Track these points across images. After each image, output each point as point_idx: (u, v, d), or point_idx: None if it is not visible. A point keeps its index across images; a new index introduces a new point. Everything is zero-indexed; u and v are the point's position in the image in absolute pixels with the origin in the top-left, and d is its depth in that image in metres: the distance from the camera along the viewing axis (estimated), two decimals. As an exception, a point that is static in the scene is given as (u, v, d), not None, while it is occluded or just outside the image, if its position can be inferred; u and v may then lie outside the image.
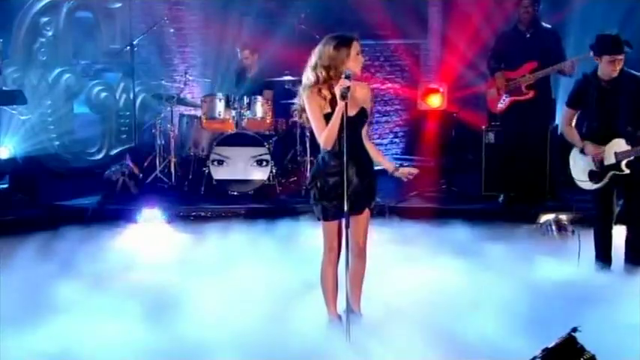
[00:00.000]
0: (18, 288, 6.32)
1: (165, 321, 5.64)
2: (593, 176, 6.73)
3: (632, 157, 6.58)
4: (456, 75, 11.28)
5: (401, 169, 5.52)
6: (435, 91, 10.53)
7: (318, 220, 5.51)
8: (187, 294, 6.22)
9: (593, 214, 6.95)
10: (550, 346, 4.03)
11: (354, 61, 5.28)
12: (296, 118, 5.68)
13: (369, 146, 5.51)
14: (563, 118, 6.98)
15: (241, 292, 6.23)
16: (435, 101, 10.55)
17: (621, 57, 6.54)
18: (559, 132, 7.81)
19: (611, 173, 6.64)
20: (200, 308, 5.89)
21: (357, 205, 5.36)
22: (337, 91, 5.12)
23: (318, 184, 5.38)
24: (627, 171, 6.61)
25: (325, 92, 5.28)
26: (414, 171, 5.53)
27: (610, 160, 6.65)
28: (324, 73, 5.26)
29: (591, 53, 6.75)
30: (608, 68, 6.56)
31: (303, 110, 5.41)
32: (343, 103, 5.11)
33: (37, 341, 5.25)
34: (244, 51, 10.38)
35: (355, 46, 5.29)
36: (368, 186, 5.43)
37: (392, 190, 9.11)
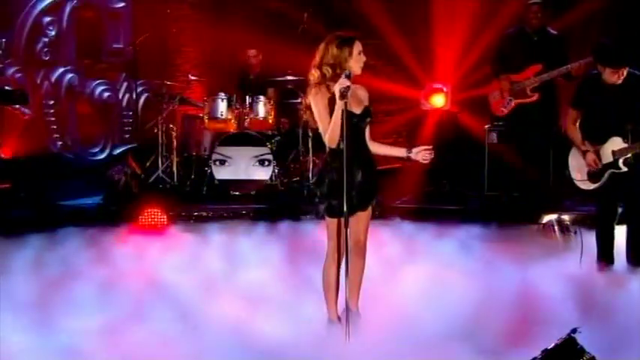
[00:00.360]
0: (19, 288, 6.29)
1: (164, 321, 5.61)
2: (591, 176, 6.71)
3: (629, 155, 6.55)
4: (459, 75, 11.24)
5: (414, 152, 5.48)
6: (439, 91, 10.49)
7: (322, 218, 5.52)
8: (189, 294, 6.20)
9: (595, 214, 6.94)
10: (550, 347, 4.01)
11: (355, 61, 5.30)
12: (306, 118, 5.68)
13: (375, 145, 5.53)
14: (567, 117, 6.95)
15: (242, 291, 6.22)
16: (438, 101, 10.52)
17: (625, 67, 6.51)
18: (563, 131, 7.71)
19: (609, 172, 6.61)
20: (200, 308, 5.88)
21: (361, 203, 5.41)
22: (336, 89, 5.14)
23: (327, 180, 5.42)
24: (625, 169, 6.57)
25: (331, 90, 5.29)
26: (429, 148, 5.49)
27: (607, 158, 6.62)
28: (330, 71, 5.30)
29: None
30: (612, 77, 6.52)
31: (308, 108, 5.45)
32: (343, 102, 5.11)
33: (36, 341, 5.23)
34: (250, 50, 10.36)
35: (357, 46, 5.32)
36: (371, 184, 5.48)
37: (393, 189, 9.10)
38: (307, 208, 8.79)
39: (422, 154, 5.47)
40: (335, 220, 5.39)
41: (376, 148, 5.55)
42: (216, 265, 7.08)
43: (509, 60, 9.30)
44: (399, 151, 5.61)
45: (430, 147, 5.52)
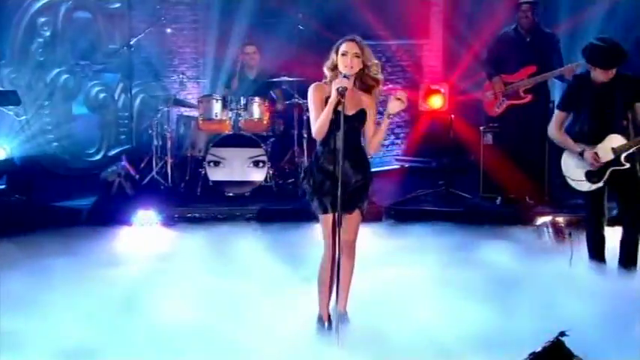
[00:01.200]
0: (13, 288, 6.29)
1: (158, 321, 5.64)
2: (591, 176, 6.61)
3: (631, 150, 6.48)
4: (457, 76, 11.22)
5: (389, 108, 5.40)
6: (436, 92, 10.46)
7: (316, 217, 5.56)
8: (182, 295, 6.21)
9: (586, 215, 6.89)
10: (537, 350, 3.99)
11: (340, 61, 5.41)
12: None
13: (374, 142, 5.54)
14: (554, 121, 6.85)
15: (237, 293, 6.26)
16: (436, 102, 10.49)
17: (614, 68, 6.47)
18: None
19: (610, 169, 6.53)
20: (194, 310, 5.89)
21: (349, 204, 5.43)
22: (333, 86, 5.27)
23: (311, 180, 5.53)
24: (628, 165, 6.50)
25: (329, 90, 5.39)
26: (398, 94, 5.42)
27: (608, 156, 6.54)
28: (329, 73, 5.49)
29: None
30: (601, 76, 6.48)
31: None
32: (335, 97, 5.22)
33: (33, 341, 5.24)
34: (249, 46, 10.28)
35: (343, 46, 5.42)
36: (361, 186, 5.51)
37: (389, 191, 9.09)
38: (302, 210, 8.78)
39: (397, 101, 5.37)
40: (329, 216, 5.42)
41: (375, 142, 5.55)
42: (209, 266, 7.07)
43: (503, 61, 9.31)
44: (384, 123, 5.53)
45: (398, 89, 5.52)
